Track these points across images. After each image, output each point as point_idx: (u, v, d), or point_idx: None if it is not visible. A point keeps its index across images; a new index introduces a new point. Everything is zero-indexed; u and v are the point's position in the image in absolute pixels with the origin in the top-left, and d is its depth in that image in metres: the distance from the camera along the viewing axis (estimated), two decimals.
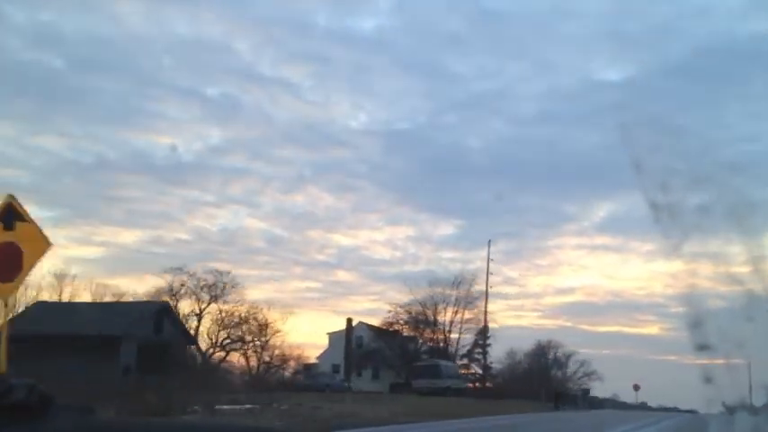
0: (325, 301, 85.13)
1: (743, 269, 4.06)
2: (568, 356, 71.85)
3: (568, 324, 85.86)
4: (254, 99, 77.49)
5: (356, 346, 56.32)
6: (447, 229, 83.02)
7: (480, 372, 63.22)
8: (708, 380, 4.12)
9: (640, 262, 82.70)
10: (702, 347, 4.00)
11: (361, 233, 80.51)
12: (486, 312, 59.25)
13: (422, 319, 59.38)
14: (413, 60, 76.14)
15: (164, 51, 70.12)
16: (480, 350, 62.61)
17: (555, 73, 78.90)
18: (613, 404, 67.78)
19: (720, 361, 4.06)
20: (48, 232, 8.56)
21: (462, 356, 62.62)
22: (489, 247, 59.12)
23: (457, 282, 59.99)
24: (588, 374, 72.74)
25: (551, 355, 71.00)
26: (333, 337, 60.54)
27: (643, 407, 67.95)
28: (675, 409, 64.89)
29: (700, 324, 3.98)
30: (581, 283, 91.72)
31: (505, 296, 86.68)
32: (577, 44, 75.35)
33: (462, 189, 79.09)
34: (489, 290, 58.41)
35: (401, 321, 59.59)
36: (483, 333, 60.90)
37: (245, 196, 77.22)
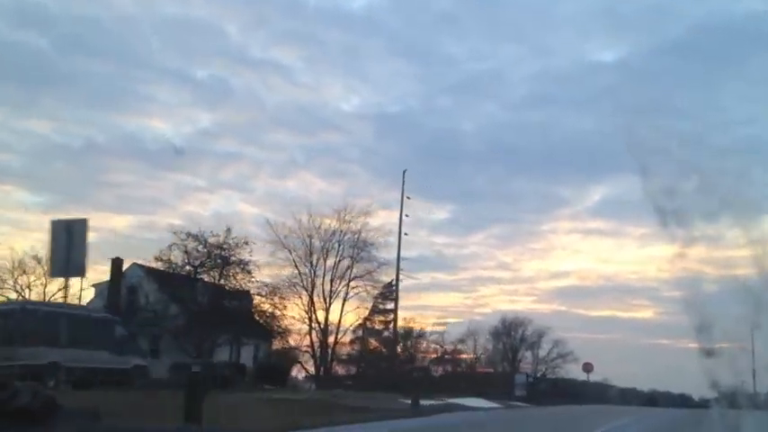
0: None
1: (742, 253, 4.07)
2: (540, 335, 61.84)
3: (562, 308, 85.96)
4: (244, 82, 77.10)
5: (127, 299, 34.58)
6: (440, 214, 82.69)
7: (384, 349, 45.85)
8: (709, 374, 4.13)
9: (634, 246, 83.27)
10: (709, 353, 4.02)
11: (353, 218, 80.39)
12: (398, 269, 41.66)
13: (222, 255, 34.73)
14: (405, 41, 75.72)
15: (152, 33, 69.38)
16: (383, 319, 45.33)
17: (549, 54, 78.11)
18: (601, 390, 64.93)
19: (721, 345, 4.08)
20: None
21: (354, 329, 44.05)
22: (404, 179, 42.61)
23: (341, 218, 41.57)
24: (563, 356, 62.14)
25: (518, 334, 61.59)
26: (99, 289, 36.58)
27: (629, 394, 65.98)
28: (667, 395, 64.28)
29: (707, 329, 4.00)
30: (575, 267, 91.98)
31: (499, 280, 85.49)
32: (572, 24, 75.19)
33: (456, 174, 78.25)
34: (403, 237, 41.79)
35: (193, 261, 34.48)
36: (392, 295, 43.12)
37: (237, 181, 77.18)
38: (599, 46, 79.54)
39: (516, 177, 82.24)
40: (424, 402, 25.62)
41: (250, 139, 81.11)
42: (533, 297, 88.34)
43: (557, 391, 56.85)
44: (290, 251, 40.72)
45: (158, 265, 34.94)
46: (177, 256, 34.51)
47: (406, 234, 42.33)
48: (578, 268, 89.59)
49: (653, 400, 61.22)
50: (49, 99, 66.19)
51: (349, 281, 41.63)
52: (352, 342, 45.37)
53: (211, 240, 34.89)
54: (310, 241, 41.06)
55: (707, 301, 4.16)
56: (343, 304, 41.76)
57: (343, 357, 45.04)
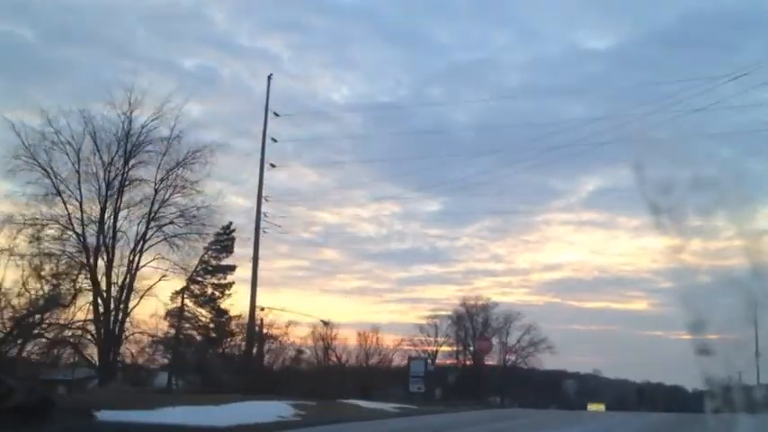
0: (312, 281, 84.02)
1: (737, 243, 4.09)
2: (508, 321, 52.99)
3: (556, 300, 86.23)
4: (232, 72, 77.32)
5: None
6: (433, 205, 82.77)
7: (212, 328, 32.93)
8: (703, 369, 4.15)
9: (627, 238, 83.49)
10: (704, 352, 4.04)
11: (345, 210, 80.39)
12: (258, 216, 28.91)
13: None
14: (395, 30, 76.51)
15: (137, 21, 69.06)
16: (217, 282, 32.08)
17: (540, 42, 79.09)
18: (555, 382, 61.29)
19: (716, 338, 4.10)
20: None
21: (172, 296, 30.62)
22: (268, 85, 31.92)
23: (123, 128, 25.94)
24: (535, 344, 53.47)
25: (479, 319, 53.28)
26: None
27: (599, 384, 64.86)
28: (660, 386, 64.09)
29: (700, 326, 4.01)
30: (568, 259, 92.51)
31: (493, 273, 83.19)
32: (563, 12, 75.86)
33: (447, 165, 79.29)
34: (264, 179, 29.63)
35: None
36: (231, 247, 31.48)
37: (226, 173, 77.58)
38: (591, 34, 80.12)
39: (509, 168, 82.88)
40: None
41: (239, 130, 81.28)
42: (527, 289, 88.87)
43: (480, 384, 46.33)
44: (45, 169, 25.30)
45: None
46: None
47: (273, 166, 30.07)
48: (572, 260, 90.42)
49: (641, 392, 59.78)
50: (35, 90, 66.26)
51: (149, 220, 26.11)
52: (169, 316, 31.06)
53: None
54: (78, 155, 25.51)
55: (701, 294, 4.17)
56: (138, 258, 26.12)
57: (158, 338, 30.11)
